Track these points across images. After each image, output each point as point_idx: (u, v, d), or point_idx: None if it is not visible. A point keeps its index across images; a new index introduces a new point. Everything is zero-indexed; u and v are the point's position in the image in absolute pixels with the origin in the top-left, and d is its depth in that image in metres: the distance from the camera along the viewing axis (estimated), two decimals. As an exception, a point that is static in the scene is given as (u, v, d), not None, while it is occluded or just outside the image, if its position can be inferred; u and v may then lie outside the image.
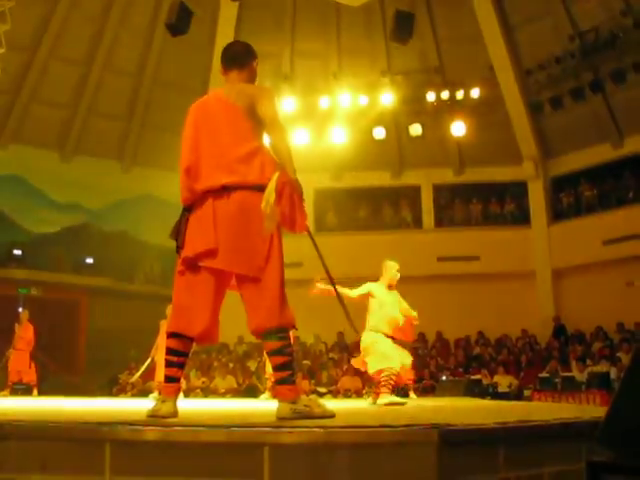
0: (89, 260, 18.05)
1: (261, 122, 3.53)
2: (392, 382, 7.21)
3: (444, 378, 15.38)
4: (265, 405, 5.55)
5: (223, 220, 3.43)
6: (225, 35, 17.23)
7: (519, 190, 18.50)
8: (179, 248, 3.58)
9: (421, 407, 5.91)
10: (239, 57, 3.81)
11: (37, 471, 2.74)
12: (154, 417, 3.36)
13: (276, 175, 3.31)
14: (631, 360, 2.56)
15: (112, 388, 15.88)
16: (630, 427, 2.41)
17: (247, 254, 3.40)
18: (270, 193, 3.27)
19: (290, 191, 3.30)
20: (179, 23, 14.26)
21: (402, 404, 6.74)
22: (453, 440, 2.34)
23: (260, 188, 3.38)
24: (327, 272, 3.85)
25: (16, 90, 17.03)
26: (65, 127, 17.94)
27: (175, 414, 3.49)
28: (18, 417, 3.25)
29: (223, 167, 3.47)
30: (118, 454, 2.70)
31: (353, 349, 16.18)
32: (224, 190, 3.44)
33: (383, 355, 7.28)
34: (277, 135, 3.46)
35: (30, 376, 12.78)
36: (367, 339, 7.44)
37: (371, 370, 7.37)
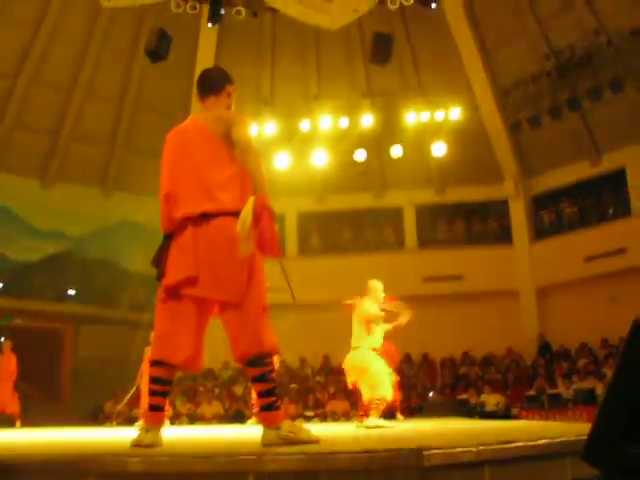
0: (72, 288, 17.91)
1: (236, 147, 3.52)
2: (382, 406, 7.21)
3: (431, 393, 15.39)
4: (251, 431, 5.52)
5: (203, 247, 3.44)
6: (205, 60, 17.30)
7: (501, 209, 18.61)
8: (160, 276, 3.58)
9: (406, 430, 5.90)
10: (214, 83, 3.83)
11: (19, 505, 2.71)
12: (138, 447, 3.33)
13: (252, 199, 3.29)
14: (611, 379, 2.58)
15: (97, 417, 15.72)
16: (614, 443, 2.42)
17: (228, 280, 3.39)
18: (247, 216, 3.23)
19: (268, 215, 3.27)
20: (159, 49, 14.35)
21: (389, 427, 6.72)
22: (435, 464, 2.34)
23: (239, 214, 3.37)
24: (290, 288, 3.79)
25: (-2, 117, 17.00)
26: (47, 153, 17.85)
27: (159, 443, 3.46)
28: (0, 451, 3.21)
29: (202, 194, 3.48)
30: (102, 486, 2.68)
31: (340, 372, 16.14)
32: (203, 217, 3.45)
33: (380, 382, 7.25)
34: (251, 160, 3.44)
35: (13, 407, 12.61)
36: (361, 358, 7.39)
37: (366, 396, 7.32)
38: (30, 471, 2.77)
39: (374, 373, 7.30)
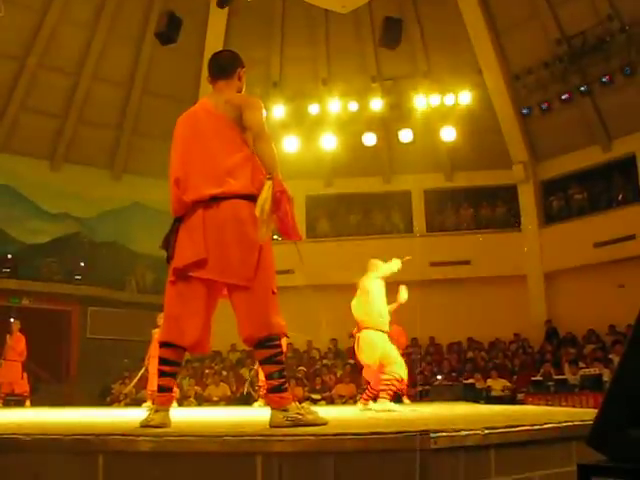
0: (80, 270, 17.97)
1: (248, 131, 3.54)
2: (393, 389, 7.22)
3: (438, 377, 15.43)
4: (258, 413, 5.55)
5: (212, 230, 3.45)
6: (214, 42, 17.26)
7: (510, 194, 18.54)
8: (169, 258, 3.60)
9: (413, 413, 5.93)
10: (225, 66, 3.82)
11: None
12: (147, 427, 3.36)
13: (270, 182, 3.30)
14: (618, 365, 2.58)
15: (105, 398, 15.83)
16: (620, 429, 2.43)
17: (237, 263, 3.41)
18: (266, 200, 3.25)
19: (287, 199, 3.30)
20: (168, 32, 14.30)
21: (396, 411, 6.74)
22: (442, 446, 2.36)
23: (249, 197, 3.41)
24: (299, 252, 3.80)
25: (5, 99, 16.98)
26: (55, 136, 17.89)
27: (168, 424, 3.49)
28: (10, 430, 3.24)
29: (212, 178, 3.48)
30: (111, 465, 2.71)
31: (347, 355, 16.19)
32: (213, 200, 3.46)
33: (397, 361, 7.27)
34: (263, 145, 3.46)
35: (22, 387, 12.73)
36: (377, 337, 7.36)
37: (386, 376, 7.27)
38: (41, 449, 2.81)
39: (390, 352, 7.31)
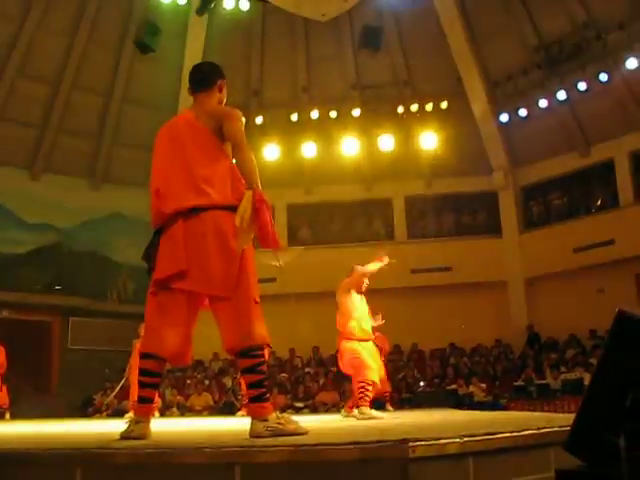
0: (60, 280, 17.84)
1: (228, 142, 3.58)
2: (369, 394, 7.24)
3: (421, 384, 15.46)
4: (240, 423, 5.54)
5: (192, 241, 3.46)
6: (194, 51, 17.26)
7: (490, 200, 18.64)
8: (150, 270, 3.61)
9: (394, 421, 5.94)
10: (206, 78, 3.86)
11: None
12: (127, 439, 3.35)
13: (249, 193, 3.33)
14: (594, 371, 2.61)
15: (87, 409, 15.71)
16: (596, 434, 2.45)
17: (218, 274, 3.42)
18: (245, 209, 3.28)
19: (267, 208, 3.33)
20: (148, 41, 14.29)
21: (379, 418, 6.75)
22: (421, 455, 2.37)
23: (229, 208, 3.43)
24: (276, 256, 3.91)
25: (-17, 109, 16.88)
26: (34, 145, 17.75)
27: (148, 435, 3.48)
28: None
29: (192, 188, 3.49)
30: (89, 478, 2.69)
31: (329, 363, 16.19)
32: (193, 211, 3.47)
33: (367, 366, 7.32)
34: (243, 155, 3.50)
35: (2, 399, 12.59)
36: (355, 345, 7.45)
37: (358, 379, 7.35)
38: (19, 463, 2.79)
39: (363, 358, 7.36)
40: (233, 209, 3.37)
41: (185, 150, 3.59)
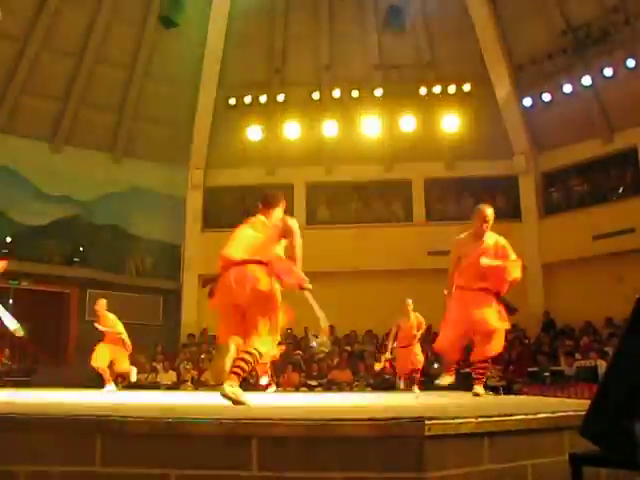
0: (79, 252, 17.98)
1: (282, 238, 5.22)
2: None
3: (435, 365, 15.44)
4: (254, 397, 5.59)
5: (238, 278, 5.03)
6: (217, 27, 17.20)
7: (510, 185, 18.51)
8: (210, 295, 5.17)
9: (409, 401, 5.96)
10: (274, 201, 5.47)
11: (29, 462, 2.77)
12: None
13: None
14: (611, 357, 2.61)
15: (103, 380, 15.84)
16: (611, 419, 2.46)
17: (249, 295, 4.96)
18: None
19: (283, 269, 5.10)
20: (172, 16, 14.25)
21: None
22: (436, 434, 2.39)
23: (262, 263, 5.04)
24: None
25: (7, 81, 16.91)
26: (56, 118, 17.83)
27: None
28: (9, 410, 3.27)
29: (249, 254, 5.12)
30: (109, 445, 2.74)
31: (344, 342, 16.24)
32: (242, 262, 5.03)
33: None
34: (296, 245, 5.13)
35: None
36: None
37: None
38: (40, 429, 2.84)
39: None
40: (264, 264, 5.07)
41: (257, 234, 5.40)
